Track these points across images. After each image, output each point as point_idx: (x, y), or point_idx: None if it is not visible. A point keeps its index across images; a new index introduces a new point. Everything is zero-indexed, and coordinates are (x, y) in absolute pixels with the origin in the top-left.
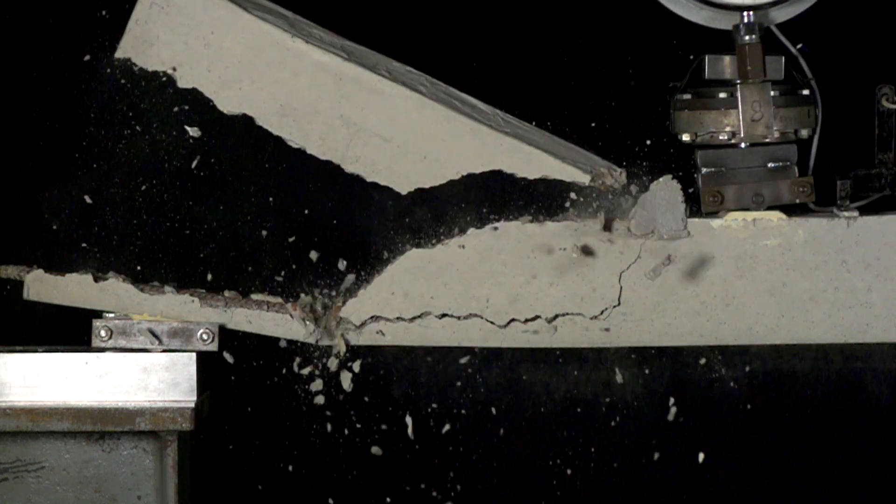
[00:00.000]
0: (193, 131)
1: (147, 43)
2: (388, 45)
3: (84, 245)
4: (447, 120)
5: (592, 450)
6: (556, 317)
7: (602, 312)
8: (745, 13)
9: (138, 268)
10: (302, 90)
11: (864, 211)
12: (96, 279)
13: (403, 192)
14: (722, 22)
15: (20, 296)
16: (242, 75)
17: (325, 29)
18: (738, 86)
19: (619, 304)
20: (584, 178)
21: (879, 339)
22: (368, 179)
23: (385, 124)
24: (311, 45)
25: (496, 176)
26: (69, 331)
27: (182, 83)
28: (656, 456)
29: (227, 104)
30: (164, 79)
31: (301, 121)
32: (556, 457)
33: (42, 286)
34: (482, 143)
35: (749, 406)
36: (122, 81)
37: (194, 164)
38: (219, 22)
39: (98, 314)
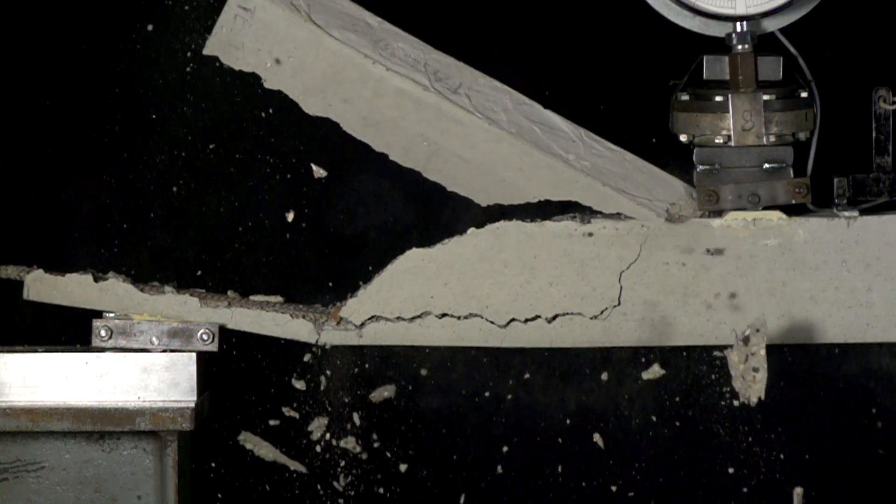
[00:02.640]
0: (319, 171)
1: (233, 47)
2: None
3: (84, 245)
4: (524, 154)
5: (592, 450)
6: (556, 317)
7: (602, 312)
8: (737, 23)
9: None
10: (383, 108)
11: (863, 211)
12: (96, 279)
13: (483, 205)
14: (714, 29)
15: (20, 296)
16: (326, 87)
17: (412, 37)
18: (730, 95)
19: (619, 303)
20: (657, 221)
21: (879, 338)
22: (448, 189)
23: (464, 148)
24: (391, 71)
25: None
26: (69, 331)
27: (268, 85)
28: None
29: (312, 108)
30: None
31: (383, 132)
32: (557, 457)
33: (42, 286)
34: (559, 178)
35: (753, 409)
36: (133, 84)
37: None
38: (301, 41)
39: (98, 314)
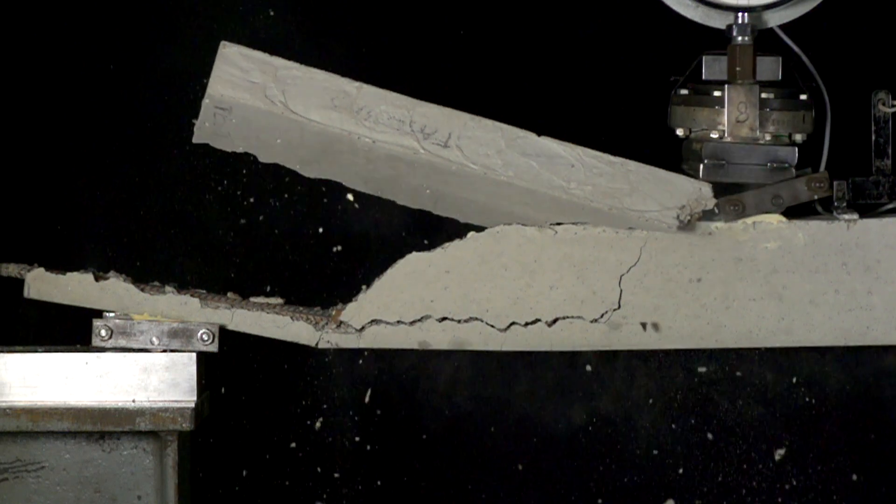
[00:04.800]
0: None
1: (219, 136)
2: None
3: (85, 243)
4: (525, 193)
5: (591, 449)
6: (556, 320)
7: (602, 315)
8: (738, 14)
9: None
10: (379, 170)
11: (863, 213)
12: (97, 278)
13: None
14: (716, 21)
15: (20, 295)
16: (319, 158)
17: (393, 94)
18: (726, 86)
19: (619, 307)
20: (672, 225)
21: (880, 341)
22: (462, 221)
23: (467, 192)
24: (378, 142)
25: None
26: (69, 331)
27: (263, 159)
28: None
29: (311, 174)
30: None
31: (385, 186)
32: (558, 458)
33: (43, 285)
34: (564, 209)
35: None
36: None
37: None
38: (283, 128)
39: (98, 313)
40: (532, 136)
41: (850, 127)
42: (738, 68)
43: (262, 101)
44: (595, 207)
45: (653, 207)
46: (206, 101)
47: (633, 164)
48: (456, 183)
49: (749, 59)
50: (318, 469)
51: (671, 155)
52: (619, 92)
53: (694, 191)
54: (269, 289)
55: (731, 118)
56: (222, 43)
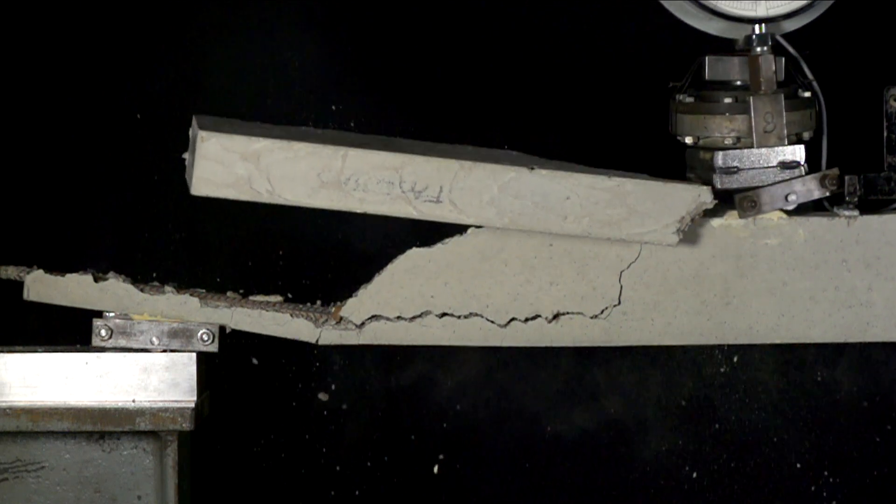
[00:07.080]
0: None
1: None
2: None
3: (84, 245)
4: (521, 236)
5: (591, 448)
6: (556, 316)
7: (602, 311)
8: (757, 25)
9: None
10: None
11: (864, 210)
12: (96, 279)
13: None
14: (734, 33)
15: (20, 297)
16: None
17: (380, 153)
18: (751, 98)
19: (619, 303)
20: (672, 241)
21: (880, 338)
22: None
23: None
24: (370, 212)
25: None
26: (69, 331)
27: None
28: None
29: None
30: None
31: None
32: (556, 455)
33: (42, 287)
34: (575, 242)
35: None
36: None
37: None
38: (271, 198)
39: (98, 314)
40: (524, 172)
41: (848, 126)
42: (761, 79)
43: (249, 194)
44: (603, 243)
45: (652, 227)
46: (192, 191)
47: (630, 184)
48: (452, 226)
49: (771, 68)
50: (319, 469)
51: (674, 162)
52: (616, 99)
53: (693, 199)
54: (268, 288)
55: (759, 129)
56: (200, 135)
